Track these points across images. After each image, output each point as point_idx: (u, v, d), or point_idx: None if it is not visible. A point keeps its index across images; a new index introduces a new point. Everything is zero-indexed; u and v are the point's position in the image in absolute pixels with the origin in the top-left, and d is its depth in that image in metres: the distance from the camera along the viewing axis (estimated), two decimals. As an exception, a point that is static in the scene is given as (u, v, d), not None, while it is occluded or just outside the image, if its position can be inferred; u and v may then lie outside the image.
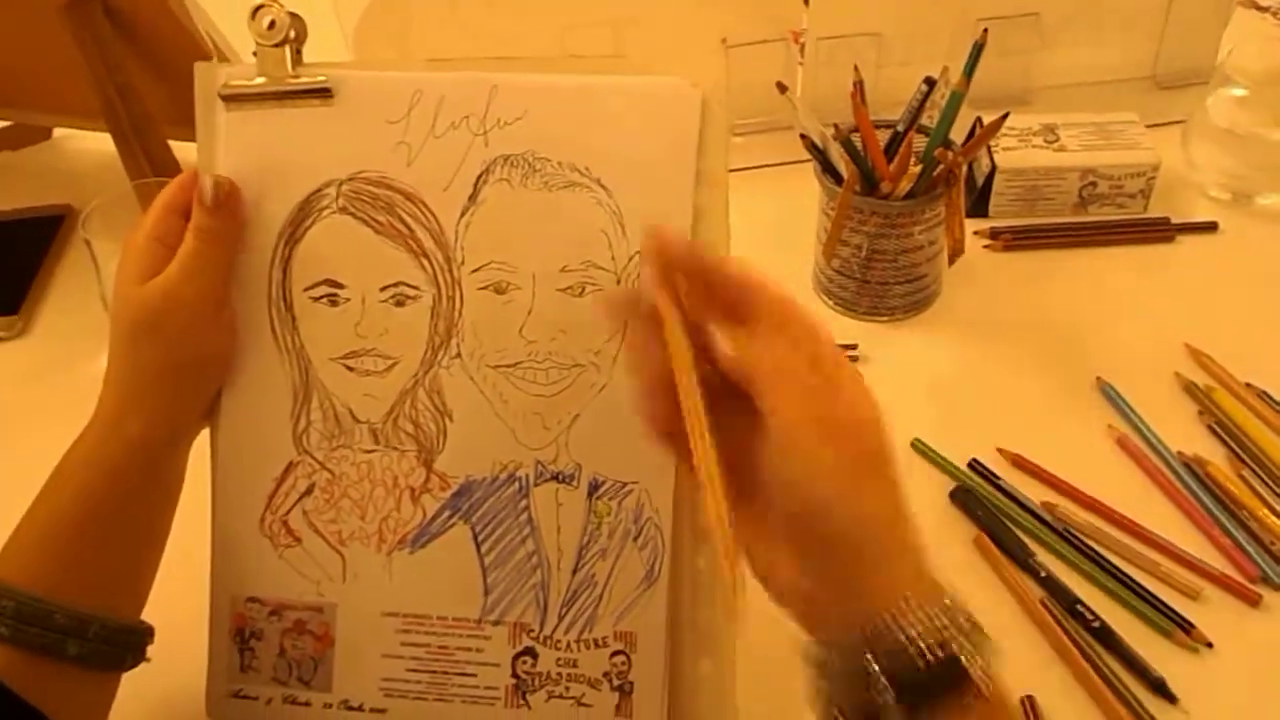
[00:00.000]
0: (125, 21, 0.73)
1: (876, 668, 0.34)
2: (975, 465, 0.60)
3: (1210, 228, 0.76)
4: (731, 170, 0.47)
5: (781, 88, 0.66)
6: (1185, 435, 0.61)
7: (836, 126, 0.64)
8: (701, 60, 0.48)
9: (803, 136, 0.66)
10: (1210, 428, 0.62)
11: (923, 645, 0.34)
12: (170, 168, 0.79)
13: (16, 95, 0.88)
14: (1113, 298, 0.72)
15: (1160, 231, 0.76)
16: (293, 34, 0.47)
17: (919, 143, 0.66)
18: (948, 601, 0.35)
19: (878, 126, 0.68)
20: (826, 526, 0.35)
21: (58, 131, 0.93)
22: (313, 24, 0.48)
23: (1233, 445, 0.60)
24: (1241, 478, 0.59)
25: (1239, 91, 0.77)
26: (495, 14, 0.79)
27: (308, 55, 0.48)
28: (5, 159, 0.91)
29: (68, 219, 0.84)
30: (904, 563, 0.36)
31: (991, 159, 0.77)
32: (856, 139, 0.66)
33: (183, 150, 0.80)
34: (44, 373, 0.72)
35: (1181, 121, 0.81)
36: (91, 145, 0.89)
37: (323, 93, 0.47)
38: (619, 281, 0.47)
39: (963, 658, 0.34)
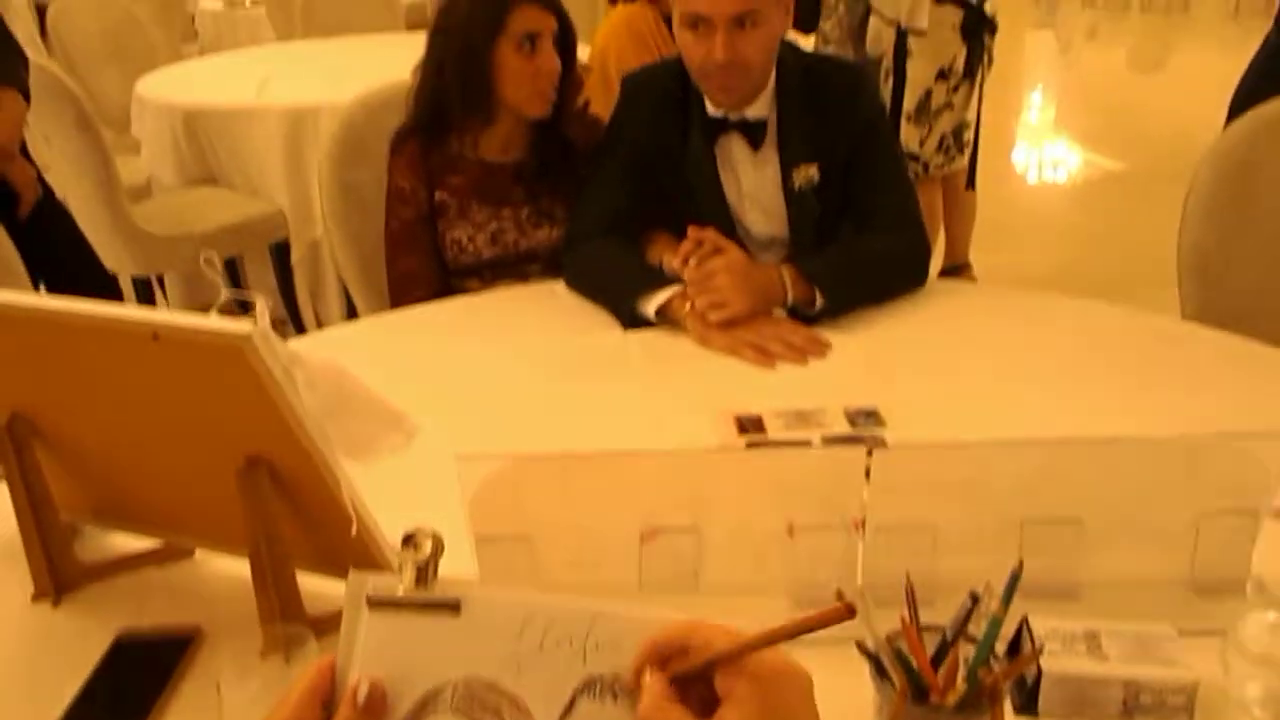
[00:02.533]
0: (286, 484, 0.87)
1: None
2: None
3: (1254, 752, 0.79)
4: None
5: (840, 597, 0.75)
6: None
7: (888, 637, 0.72)
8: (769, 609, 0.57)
9: (858, 643, 0.74)
10: None
11: None
12: (294, 607, 0.90)
13: (173, 522, 1.02)
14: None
15: (1204, 749, 0.79)
16: (434, 555, 0.58)
17: (968, 651, 0.73)
18: None
19: (928, 630, 0.76)
20: None
21: (198, 551, 1.06)
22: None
23: None
24: None
25: (1273, 615, 0.84)
26: (597, 498, 0.92)
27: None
28: (149, 574, 1.04)
29: (196, 641, 0.93)
30: None
31: (1039, 663, 0.83)
32: (907, 648, 0.73)
33: (303, 580, 0.91)
34: (153, 798, 0.78)
35: (1220, 632, 0.87)
36: (226, 568, 1.01)
37: (453, 607, 0.57)
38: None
39: None
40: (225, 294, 0.77)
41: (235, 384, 0.75)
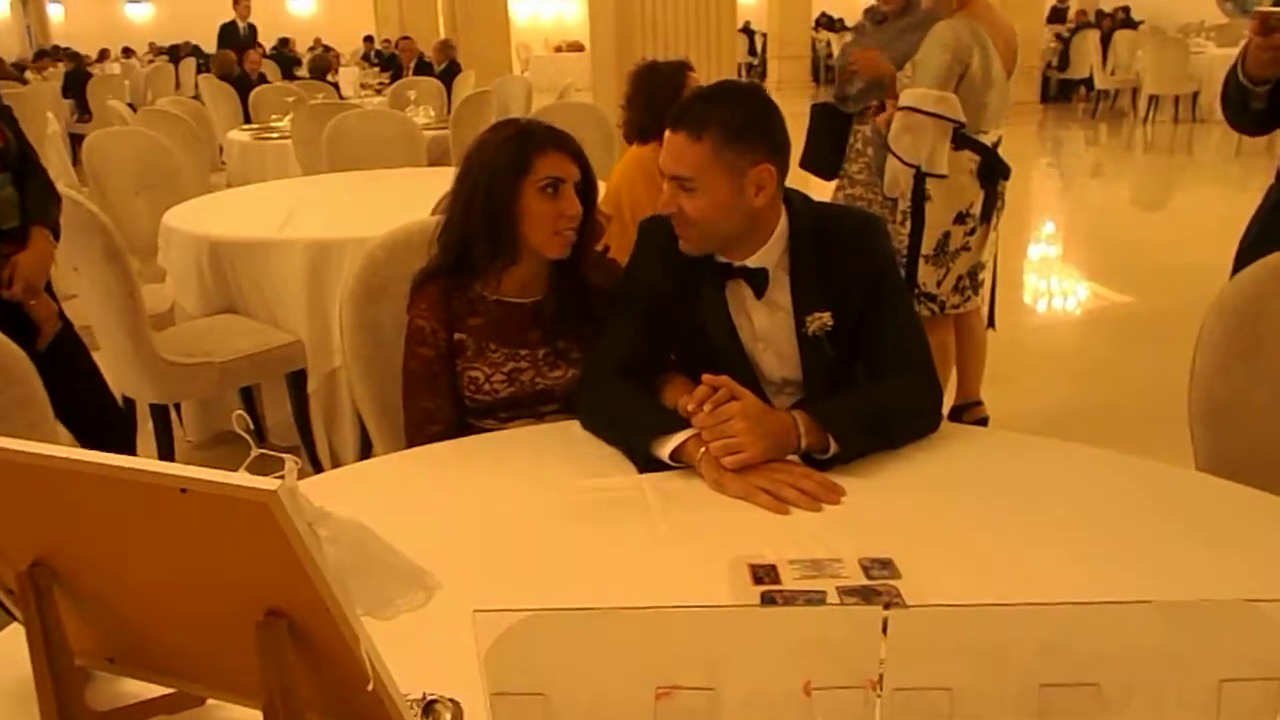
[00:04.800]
0: (304, 638, 0.87)
1: None
2: None
3: None
4: None
5: (859, 768, 0.74)
6: None
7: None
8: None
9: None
10: None
11: None
12: (307, 764, 0.89)
13: (189, 671, 1.01)
14: None
15: None
16: (453, 723, 0.58)
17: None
18: None
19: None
20: None
21: (209, 700, 1.05)
22: None
23: None
24: None
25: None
26: (612, 654, 0.92)
27: None
28: (159, 723, 1.03)
29: (203, 796, 0.92)
30: None
31: (1061, 837, 0.81)
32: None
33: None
34: None
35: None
36: (237, 716, 1.00)
37: (473, 782, 0.57)
38: None
39: None
40: (254, 451, 0.78)
41: (259, 539, 0.76)
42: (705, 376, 1.54)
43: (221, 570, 0.85)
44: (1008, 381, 3.84)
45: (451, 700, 0.58)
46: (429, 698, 0.58)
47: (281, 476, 0.70)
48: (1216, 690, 0.93)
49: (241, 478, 0.73)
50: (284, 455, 0.75)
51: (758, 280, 1.66)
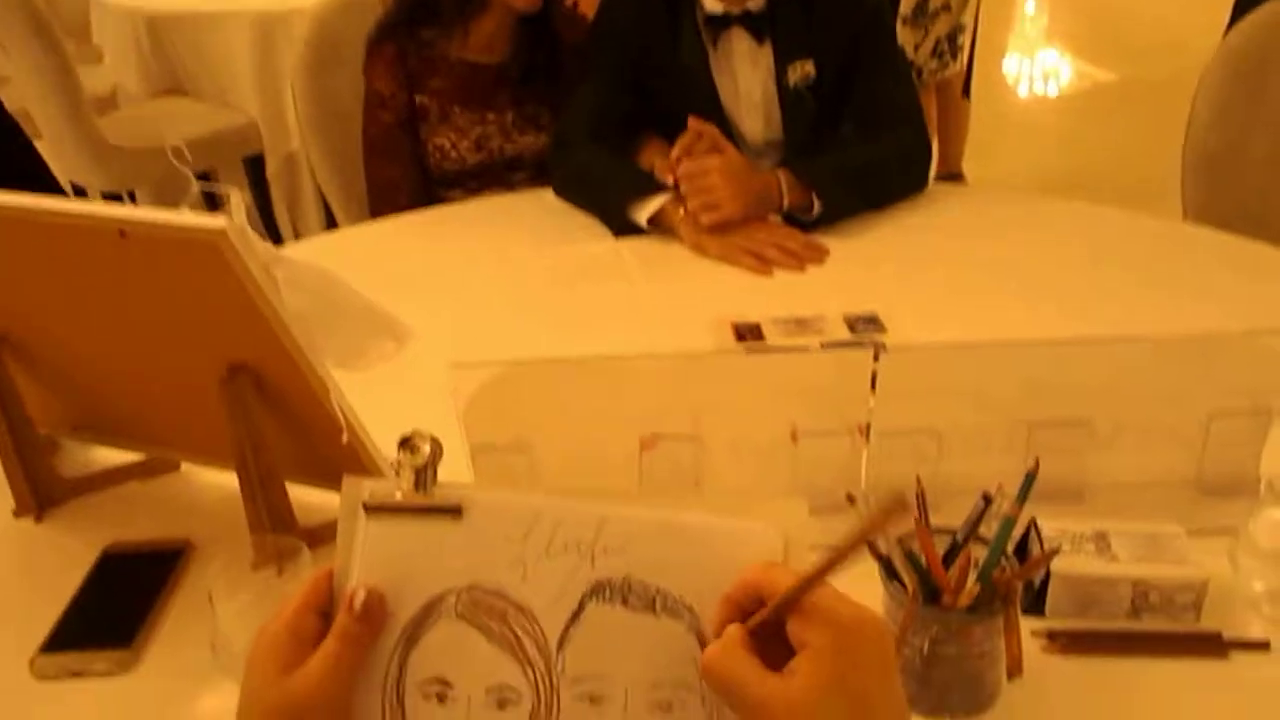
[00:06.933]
0: (271, 392, 0.83)
1: None
2: None
3: (1263, 646, 0.79)
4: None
5: (850, 499, 0.73)
6: None
7: (900, 538, 0.70)
8: (784, 506, 0.54)
9: (869, 545, 0.72)
10: None
11: None
12: (286, 518, 0.87)
13: (156, 435, 0.99)
14: (1169, 715, 0.73)
15: (1212, 647, 0.78)
16: (432, 459, 0.55)
17: (977, 552, 0.71)
18: None
19: (937, 533, 0.74)
20: None
21: (184, 464, 1.03)
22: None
23: None
24: None
25: (1281, 513, 0.82)
26: (594, 405, 0.89)
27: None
28: (135, 489, 1.01)
29: (185, 554, 0.91)
30: None
31: (1047, 564, 0.82)
32: (918, 549, 0.71)
33: (295, 492, 0.88)
34: (148, 711, 0.77)
35: (1229, 531, 0.86)
36: (214, 481, 0.98)
37: (454, 511, 0.55)
38: (703, 701, 0.51)
39: None
40: (195, 186, 0.72)
41: (211, 284, 0.71)
42: (691, 120, 1.45)
43: (176, 324, 0.80)
44: (989, 155, 3.76)
45: (430, 435, 0.54)
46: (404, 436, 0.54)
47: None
48: (1205, 425, 0.93)
49: (185, 217, 0.67)
50: (229, 188, 0.69)
51: (758, 24, 1.53)
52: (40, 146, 2.55)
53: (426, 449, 0.55)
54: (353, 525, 0.55)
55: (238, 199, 0.65)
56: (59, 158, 2.72)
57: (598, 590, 0.53)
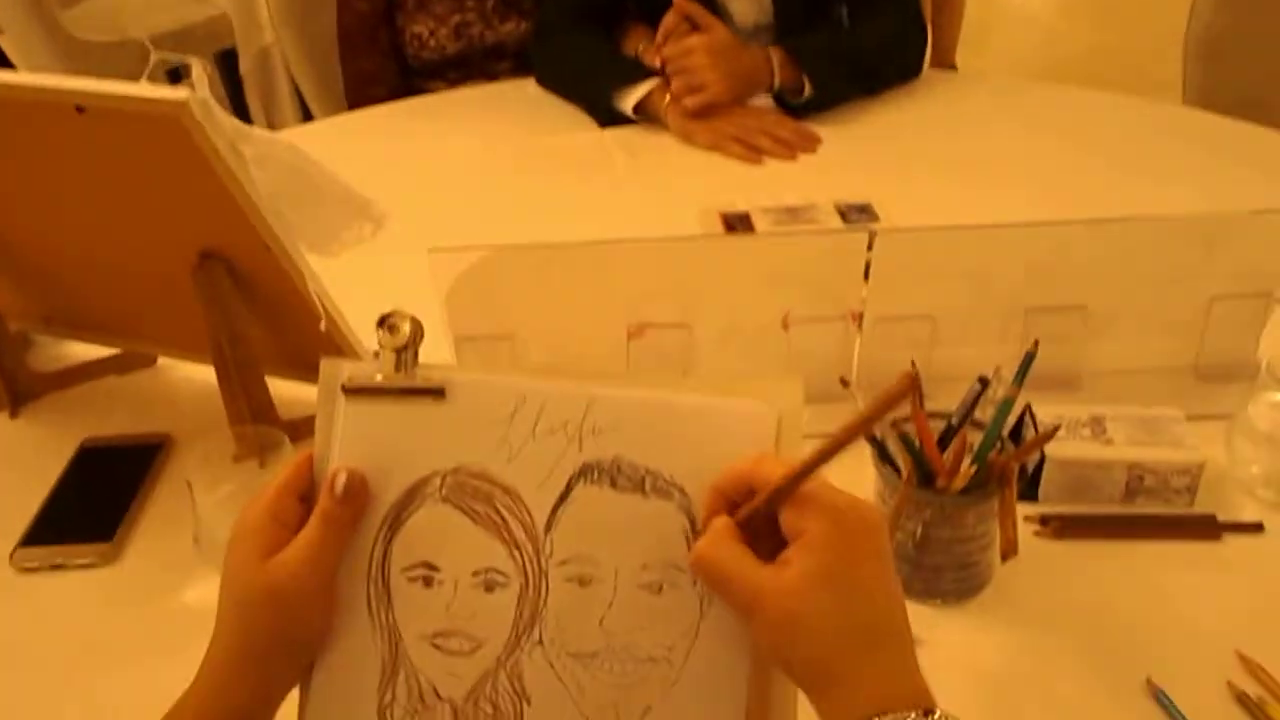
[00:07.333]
0: (245, 280, 0.80)
1: None
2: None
3: (1256, 528, 0.78)
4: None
5: (844, 383, 0.71)
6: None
7: (894, 421, 0.69)
8: (778, 385, 0.52)
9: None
10: (1265, 743, 0.62)
11: None
12: (267, 410, 0.85)
13: (131, 328, 0.96)
14: (1161, 595, 0.73)
15: (1206, 529, 0.78)
16: (413, 339, 0.53)
17: (972, 436, 0.70)
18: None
19: (932, 417, 0.72)
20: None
21: (161, 358, 1.00)
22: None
23: (1289, 765, 0.60)
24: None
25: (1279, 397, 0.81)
26: (580, 292, 0.87)
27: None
28: (111, 384, 0.98)
29: (165, 447, 0.89)
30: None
31: (1041, 449, 0.81)
32: (913, 433, 0.70)
33: (275, 386, 0.86)
34: (131, 602, 0.76)
35: (1225, 416, 0.85)
36: (193, 374, 0.96)
37: (437, 393, 0.53)
38: (695, 581, 0.50)
39: None
40: (154, 57, 0.67)
41: (176, 163, 0.67)
42: (676, 0, 1.39)
43: (144, 209, 0.77)
44: (983, 45, 3.67)
45: (410, 315, 0.52)
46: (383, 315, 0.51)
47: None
48: (1206, 308, 0.91)
49: (145, 89, 0.63)
50: (191, 59, 0.65)
51: None
52: (3, 42, 2.46)
53: (406, 329, 0.53)
54: (332, 408, 0.53)
55: (199, 69, 0.61)
56: (24, 54, 2.62)
57: (586, 471, 0.51)
